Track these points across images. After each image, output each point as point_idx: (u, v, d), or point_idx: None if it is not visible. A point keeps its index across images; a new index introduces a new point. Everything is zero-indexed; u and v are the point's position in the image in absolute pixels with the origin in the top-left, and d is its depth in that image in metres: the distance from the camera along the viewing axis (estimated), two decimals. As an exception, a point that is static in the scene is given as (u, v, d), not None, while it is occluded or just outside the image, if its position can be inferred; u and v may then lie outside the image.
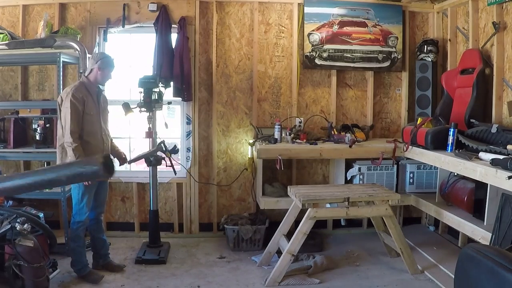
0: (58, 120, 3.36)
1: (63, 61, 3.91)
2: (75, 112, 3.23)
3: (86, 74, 3.44)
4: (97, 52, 3.54)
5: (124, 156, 3.72)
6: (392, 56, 4.64)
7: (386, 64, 4.64)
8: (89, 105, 3.33)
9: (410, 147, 3.95)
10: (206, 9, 4.47)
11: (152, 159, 3.84)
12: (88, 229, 3.59)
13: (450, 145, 3.48)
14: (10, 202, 3.81)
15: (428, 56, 4.49)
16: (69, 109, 3.21)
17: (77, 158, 3.19)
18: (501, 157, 2.83)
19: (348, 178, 4.39)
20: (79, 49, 3.88)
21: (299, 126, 4.49)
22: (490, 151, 3.05)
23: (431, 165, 4.06)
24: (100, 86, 3.54)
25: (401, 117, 4.80)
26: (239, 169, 4.57)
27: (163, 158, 3.88)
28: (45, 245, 3.23)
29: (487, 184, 3.02)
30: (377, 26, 4.60)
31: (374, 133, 4.74)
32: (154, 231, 4.06)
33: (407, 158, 4.20)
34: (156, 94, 3.92)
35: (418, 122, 3.97)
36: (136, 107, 3.86)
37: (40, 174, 1.08)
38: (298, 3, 4.53)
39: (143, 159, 3.83)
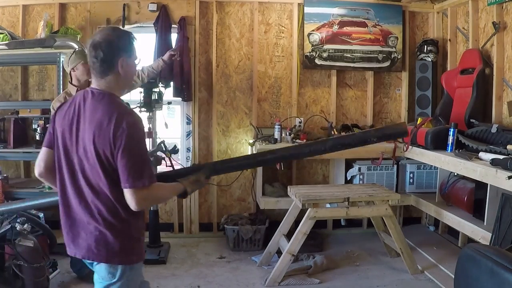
0: None
1: (63, 61, 3.89)
2: None
3: (70, 81, 3.35)
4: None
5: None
6: (392, 56, 4.64)
7: (386, 64, 4.64)
8: None
9: (410, 147, 3.95)
10: (206, 9, 4.47)
11: (152, 159, 3.83)
12: None
13: (450, 145, 3.47)
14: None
15: (428, 56, 4.49)
16: None
17: None
18: (501, 157, 2.83)
19: (348, 178, 4.40)
20: (79, 49, 3.88)
21: (299, 126, 4.49)
22: (490, 151, 3.04)
23: (431, 165, 4.06)
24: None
25: (401, 117, 4.79)
26: (239, 169, 4.57)
27: (163, 158, 3.88)
28: (45, 245, 3.23)
29: (487, 184, 3.02)
30: (377, 26, 4.59)
31: (374, 133, 4.73)
32: (154, 231, 4.06)
33: (407, 158, 4.20)
34: (156, 94, 3.91)
35: (418, 122, 3.97)
36: (136, 107, 3.85)
37: (354, 137, 1.64)
38: (298, 3, 4.52)
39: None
